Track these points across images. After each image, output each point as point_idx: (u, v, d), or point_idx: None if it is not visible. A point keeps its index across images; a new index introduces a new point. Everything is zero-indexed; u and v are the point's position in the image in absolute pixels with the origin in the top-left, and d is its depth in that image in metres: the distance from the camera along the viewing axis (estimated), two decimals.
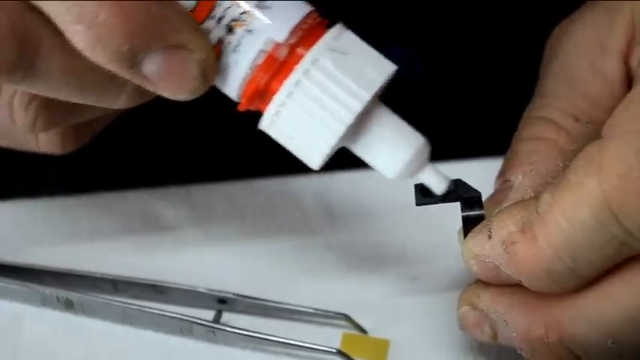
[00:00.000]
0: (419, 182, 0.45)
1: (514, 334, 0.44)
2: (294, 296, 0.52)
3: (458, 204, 0.45)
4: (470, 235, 0.45)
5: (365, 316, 0.51)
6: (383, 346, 0.50)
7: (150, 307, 0.50)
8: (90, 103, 0.45)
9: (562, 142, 0.47)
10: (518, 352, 0.45)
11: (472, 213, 0.45)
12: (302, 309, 0.51)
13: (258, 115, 0.43)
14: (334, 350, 0.49)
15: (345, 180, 0.58)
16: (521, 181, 0.47)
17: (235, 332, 0.49)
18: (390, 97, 0.64)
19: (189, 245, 0.55)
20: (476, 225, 0.45)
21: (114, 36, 0.42)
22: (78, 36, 0.42)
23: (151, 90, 0.44)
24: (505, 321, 0.44)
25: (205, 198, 0.57)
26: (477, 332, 0.46)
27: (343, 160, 0.59)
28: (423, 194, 0.45)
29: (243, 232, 0.55)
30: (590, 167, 0.41)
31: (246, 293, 0.52)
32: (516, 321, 0.44)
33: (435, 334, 0.50)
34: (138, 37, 0.42)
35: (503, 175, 0.48)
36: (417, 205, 0.45)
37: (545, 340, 0.43)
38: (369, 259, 0.53)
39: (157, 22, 0.42)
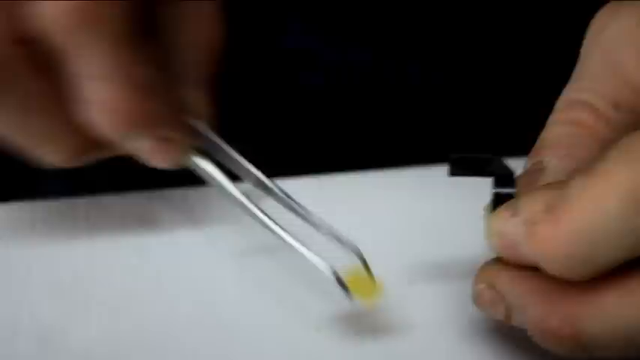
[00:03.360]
0: (455, 155, 0.45)
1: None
2: (295, 295, 0.52)
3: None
4: (496, 211, 0.44)
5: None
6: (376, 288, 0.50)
7: None
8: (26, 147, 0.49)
9: (601, 129, 0.46)
10: (530, 335, 0.44)
11: (503, 190, 0.45)
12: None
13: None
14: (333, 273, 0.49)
15: (343, 181, 0.58)
16: (556, 164, 0.46)
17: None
18: (411, 106, 0.64)
19: (188, 247, 0.55)
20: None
21: (121, 120, 0.47)
22: (93, 106, 0.47)
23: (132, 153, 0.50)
24: (520, 306, 0.44)
25: (204, 200, 0.57)
26: (491, 311, 0.45)
27: (343, 160, 0.60)
28: (457, 166, 0.45)
29: (241, 233, 0.55)
30: (622, 157, 0.41)
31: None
32: (532, 308, 0.44)
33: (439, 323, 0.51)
34: (139, 126, 0.48)
35: (535, 156, 0.47)
36: (450, 175, 0.45)
37: (558, 333, 0.43)
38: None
39: (159, 120, 0.49)
